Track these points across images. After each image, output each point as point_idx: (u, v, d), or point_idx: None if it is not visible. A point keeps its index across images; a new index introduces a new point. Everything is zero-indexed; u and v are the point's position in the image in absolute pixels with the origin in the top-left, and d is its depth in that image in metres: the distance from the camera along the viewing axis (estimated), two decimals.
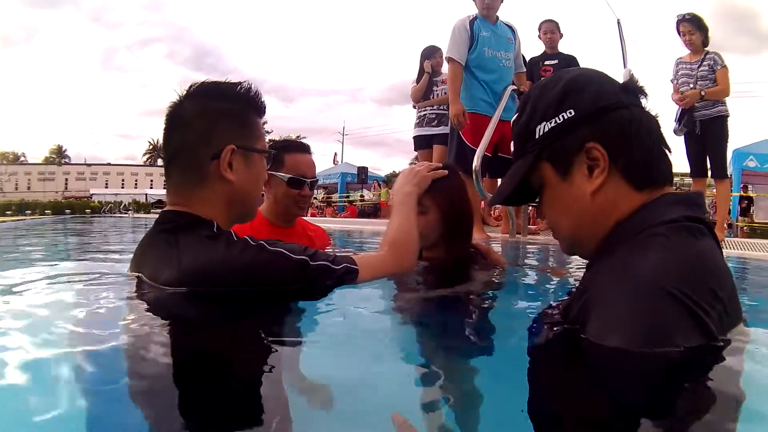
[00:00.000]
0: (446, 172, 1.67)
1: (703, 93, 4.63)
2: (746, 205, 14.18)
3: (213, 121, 1.24)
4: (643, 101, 0.93)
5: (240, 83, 1.30)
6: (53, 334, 1.07)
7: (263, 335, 1.11)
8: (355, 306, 1.27)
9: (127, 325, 1.09)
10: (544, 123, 0.93)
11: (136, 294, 1.21)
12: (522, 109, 1.00)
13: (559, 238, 1.04)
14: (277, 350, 1.03)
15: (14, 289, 1.38)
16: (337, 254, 1.31)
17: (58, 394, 0.79)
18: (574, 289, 1.03)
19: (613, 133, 0.89)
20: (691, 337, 0.74)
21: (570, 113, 0.91)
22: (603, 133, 0.89)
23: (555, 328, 0.99)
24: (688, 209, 0.88)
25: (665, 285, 0.75)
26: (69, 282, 1.72)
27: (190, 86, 1.27)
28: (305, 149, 2.11)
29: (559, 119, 0.91)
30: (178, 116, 1.26)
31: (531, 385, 0.85)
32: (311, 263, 1.23)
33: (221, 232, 1.22)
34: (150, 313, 1.13)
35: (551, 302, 1.31)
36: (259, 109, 1.33)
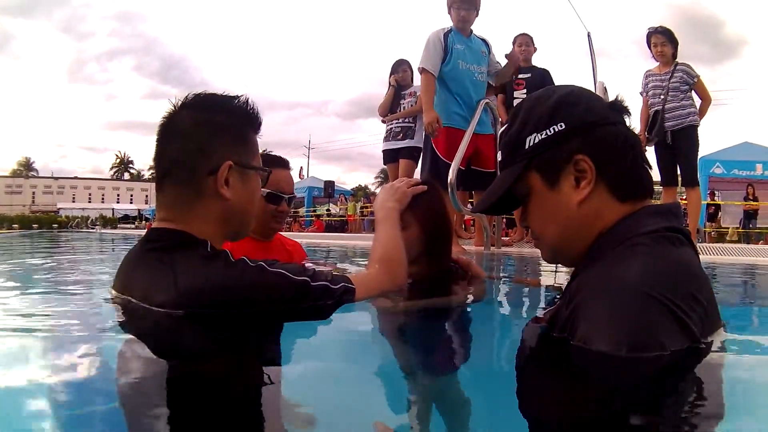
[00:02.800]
0: (426, 187, 1.68)
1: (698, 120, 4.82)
2: (713, 211, 14.58)
3: (211, 134, 1.19)
4: (627, 120, 0.98)
5: (237, 97, 1.25)
6: (38, 357, 1.05)
7: (259, 360, 1.09)
8: (337, 322, 1.25)
9: (119, 352, 1.05)
10: (535, 134, 0.97)
11: (126, 317, 1.16)
12: (512, 120, 1.03)
13: (542, 246, 1.07)
14: (271, 374, 1.01)
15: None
16: (334, 274, 1.27)
17: (45, 425, 0.76)
18: (558, 299, 1.05)
19: (600, 148, 0.94)
20: (674, 336, 0.78)
21: (561, 126, 0.95)
22: (591, 146, 0.94)
23: (544, 337, 1.01)
24: (668, 220, 0.93)
25: (647, 289, 0.80)
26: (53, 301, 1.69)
27: (186, 96, 1.22)
28: (284, 165, 2.08)
29: (550, 131, 0.95)
30: (175, 127, 1.20)
31: (522, 393, 0.87)
32: (312, 284, 1.18)
33: (217, 252, 1.17)
34: (144, 338, 1.10)
35: (537, 312, 1.33)
36: (256, 124, 1.29)
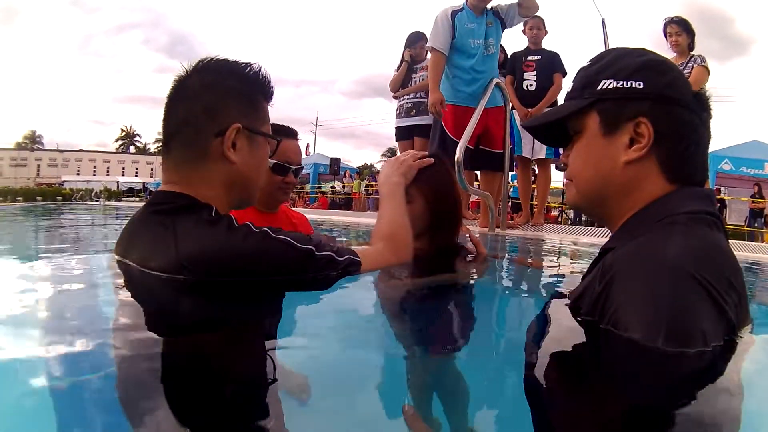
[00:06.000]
0: (432, 160, 1.64)
1: None
2: (719, 207, 14.47)
3: (221, 97, 1.18)
4: (705, 116, 0.97)
5: (250, 64, 1.24)
6: (29, 325, 1.01)
7: (259, 330, 1.07)
8: (337, 295, 1.22)
9: (113, 319, 1.03)
10: (612, 80, 0.96)
11: (125, 282, 1.14)
12: (596, 60, 1.03)
13: (571, 187, 1.06)
14: (272, 345, 0.99)
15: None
16: (339, 245, 1.25)
17: (34, 397, 0.73)
18: (586, 274, 1.01)
19: (666, 123, 0.93)
20: (713, 322, 0.75)
21: (639, 84, 0.94)
22: (658, 117, 0.93)
23: (570, 318, 0.96)
24: (707, 204, 0.92)
25: (688, 269, 0.77)
26: (46, 267, 1.67)
27: (199, 61, 1.21)
28: (292, 135, 2.04)
29: (627, 84, 0.95)
30: (185, 89, 1.19)
31: (543, 382, 0.83)
32: (317, 253, 1.16)
33: (221, 216, 1.14)
34: (140, 303, 1.08)
35: (559, 291, 1.29)
36: (267, 92, 1.27)
